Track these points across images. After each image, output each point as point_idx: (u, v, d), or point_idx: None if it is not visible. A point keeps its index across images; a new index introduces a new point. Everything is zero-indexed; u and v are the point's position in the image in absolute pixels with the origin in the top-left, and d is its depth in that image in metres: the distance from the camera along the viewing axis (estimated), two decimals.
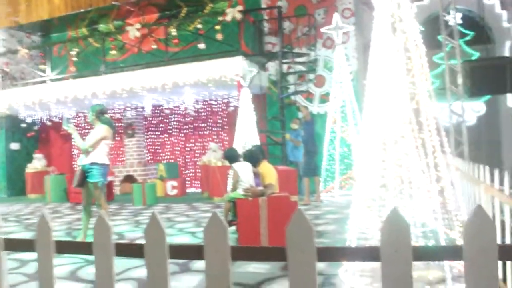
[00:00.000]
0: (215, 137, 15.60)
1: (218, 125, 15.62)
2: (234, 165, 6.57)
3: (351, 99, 12.02)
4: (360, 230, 7.12)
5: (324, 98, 13.05)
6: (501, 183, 4.35)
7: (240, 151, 10.00)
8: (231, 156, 7.12)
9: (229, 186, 10.12)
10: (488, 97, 12.72)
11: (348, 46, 12.77)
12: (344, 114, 12.13)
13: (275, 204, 6.07)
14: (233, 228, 6.74)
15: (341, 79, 12.10)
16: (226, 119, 15.44)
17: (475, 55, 12.69)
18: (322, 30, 12.16)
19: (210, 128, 15.72)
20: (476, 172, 5.47)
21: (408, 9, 4.68)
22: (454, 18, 11.70)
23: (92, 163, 6.74)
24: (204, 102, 15.32)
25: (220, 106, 15.47)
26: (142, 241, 2.07)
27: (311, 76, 12.46)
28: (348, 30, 12.47)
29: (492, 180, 4.67)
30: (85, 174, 6.79)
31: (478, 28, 13.27)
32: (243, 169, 6.39)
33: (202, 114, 15.66)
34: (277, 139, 11.88)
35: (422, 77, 4.51)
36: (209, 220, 1.95)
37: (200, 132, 15.85)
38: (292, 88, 12.88)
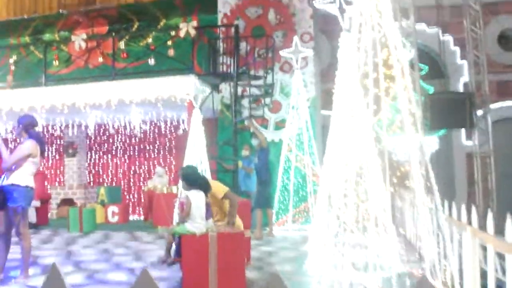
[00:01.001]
0: (162, 161, 14.71)
1: (165, 148, 14.75)
2: (189, 193, 5.63)
3: (308, 127, 11.46)
4: (320, 273, 6.44)
5: (279, 125, 12.44)
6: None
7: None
8: (190, 177, 5.72)
9: (176, 217, 9.32)
10: (443, 131, 12.42)
11: (306, 72, 12.26)
12: (300, 142, 11.55)
13: (227, 241, 5.29)
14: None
15: (298, 105, 11.55)
16: (175, 143, 14.61)
17: (430, 89, 12.41)
18: (281, 52, 11.61)
19: (157, 151, 14.84)
20: (455, 212, 4.88)
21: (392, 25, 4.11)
22: (414, 52, 11.41)
23: (13, 185, 5.78)
24: (152, 123, 14.47)
25: (169, 128, 14.64)
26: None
27: (268, 100, 11.82)
28: (307, 55, 12.00)
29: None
30: (4, 196, 5.81)
31: (433, 63, 13.08)
32: (197, 199, 5.52)
33: (149, 135, 14.77)
34: (228, 167, 11.11)
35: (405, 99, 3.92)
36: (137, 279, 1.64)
37: (146, 155, 14.92)
38: (246, 113, 12.20)
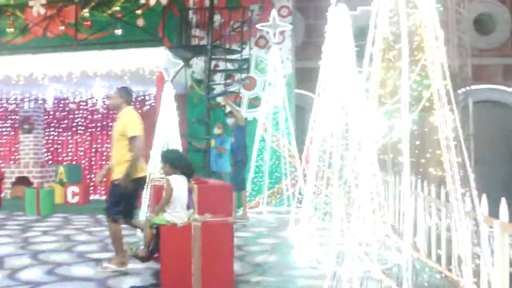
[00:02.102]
0: None
1: None
2: (171, 177, 4.92)
3: (285, 105, 10.84)
4: (310, 265, 5.87)
5: (253, 103, 11.77)
6: None
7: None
8: (174, 160, 4.96)
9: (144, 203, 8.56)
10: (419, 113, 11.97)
11: (283, 47, 11.58)
12: (276, 121, 10.94)
13: (212, 232, 4.63)
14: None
15: (275, 82, 10.90)
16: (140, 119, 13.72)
17: None
18: (258, 26, 10.92)
19: None
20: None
21: None
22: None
23: None
24: None
25: (134, 104, 13.72)
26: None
27: (243, 76, 11.09)
28: (285, 30, 11.34)
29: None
30: None
31: None
32: (179, 185, 4.79)
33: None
34: (200, 146, 10.36)
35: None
36: None
37: (109, 132, 13.97)
38: (218, 89, 11.47)
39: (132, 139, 5.55)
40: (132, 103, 6.05)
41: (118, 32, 10.50)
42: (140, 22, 10.46)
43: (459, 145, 3.28)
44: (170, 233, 4.58)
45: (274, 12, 10.85)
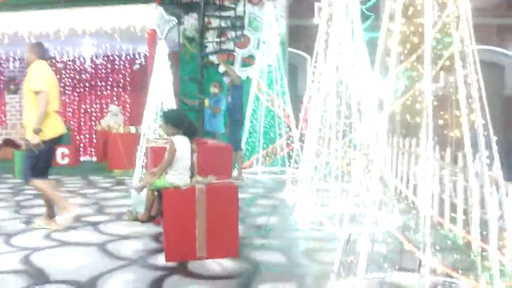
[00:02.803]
0: (116, 99, 13.53)
1: (119, 85, 13.53)
2: (175, 138, 4.58)
3: (280, 64, 10.58)
4: (312, 227, 5.76)
5: (247, 61, 11.50)
6: None
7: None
8: (176, 119, 4.68)
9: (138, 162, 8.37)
10: None
11: (277, 5, 11.25)
12: (270, 80, 10.69)
13: (217, 195, 4.46)
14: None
15: (269, 40, 10.61)
16: (129, 79, 13.42)
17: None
18: None
19: (110, 88, 13.60)
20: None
21: None
22: None
23: None
24: (105, 57, 13.18)
25: (123, 63, 13.40)
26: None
27: (239, 33, 10.78)
28: None
29: None
30: None
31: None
32: (183, 146, 4.57)
33: (102, 71, 13.47)
34: (192, 102, 10.11)
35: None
36: None
37: (98, 92, 13.67)
38: (211, 47, 11.16)
39: (36, 94, 5.31)
40: (45, 58, 5.79)
41: None
42: None
43: (483, 107, 3.11)
44: (173, 197, 4.41)
45: None
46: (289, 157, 10.10)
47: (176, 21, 9.73)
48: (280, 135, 10.66)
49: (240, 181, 9.15)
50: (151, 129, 8.31)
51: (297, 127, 9.97)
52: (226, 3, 10.76)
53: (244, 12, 10.72)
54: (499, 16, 13.40)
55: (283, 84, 10.53)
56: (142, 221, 4.86)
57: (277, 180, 9.39)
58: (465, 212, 4.58)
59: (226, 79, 9.50)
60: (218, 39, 11.10)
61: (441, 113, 3.39)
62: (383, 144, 3.29)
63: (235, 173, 9.28)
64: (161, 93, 8.47)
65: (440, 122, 3.36)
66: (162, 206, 4.52)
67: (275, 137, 10.74)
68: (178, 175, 4.50)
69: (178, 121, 4.62)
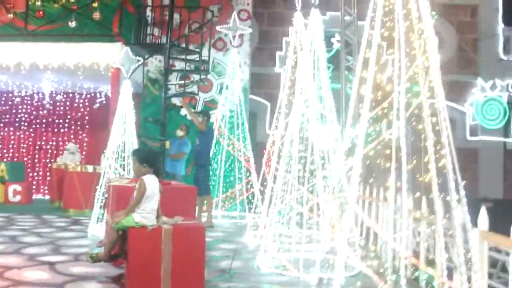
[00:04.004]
0: (73, 137, 13.31)
1: (78, 123, 13.34)
2: (145, 177, 4.49)
3: (242, 110, 10.69)
4: (275, 271, 5.73)
5: (209, 105, 11.59)
6: None
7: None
8: (150, 159, 4.61)
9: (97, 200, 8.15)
10: None
11: (241, 51, 11.50)
12: (232, 125, 10.77)
13: (184, 236, 4.41)
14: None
15: (232, 85, 10.75)
16: (88, 118, 13.26)
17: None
18: (219, 28, 10.75)
19: (67, 125, 13.38)
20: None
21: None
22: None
23: None
24: (65, 94, 13.02)
25: (83, 101, 13.25)
26: None
27: (203, 77, 10.87)
28: (244, 33, 11.23)
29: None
30: None
31: None
32: (153, 186, 4.51)
33: (61, 108, 13.26)
34: (154, 144, 10.02)
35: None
36: None
37: (55, 129, 13.41)
38: (173, 89, 11.20)
39: None
40: None
41: (73, 24, 10.05)
42: (96, 15, 10.06)
43: (450, 153, 3.24)
44: (139, 237, 4.33)
45: (234, 15, 10.73)
46: (249, 201, 10.11)
47: (142, 60, 9.73)
48: (240, 179, 10.67)
49: (209, 226, 8.90)
50: (111, 168, 8.17)
51: (257, 172, 10.02)
52: (191, 47, 10.88)
53: (209, 56, 10.85)
54: (450, 73, 14.12)
55: (244, 129, 10.62)
56: (104, 261, 4.72)
57: (237, 225, 9.35)
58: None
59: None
60: (182, 82, 11.15)
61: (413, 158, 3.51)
62: (356, 186, 3.36)
63: (204, 218, 9.07)
64: (123, 133, 8.39)
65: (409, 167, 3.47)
66: (126, 246, 4.42)
67: (235, 181, 10.75)
68: (146, 214, 4.42)
69: (152, 161, 4.57)
